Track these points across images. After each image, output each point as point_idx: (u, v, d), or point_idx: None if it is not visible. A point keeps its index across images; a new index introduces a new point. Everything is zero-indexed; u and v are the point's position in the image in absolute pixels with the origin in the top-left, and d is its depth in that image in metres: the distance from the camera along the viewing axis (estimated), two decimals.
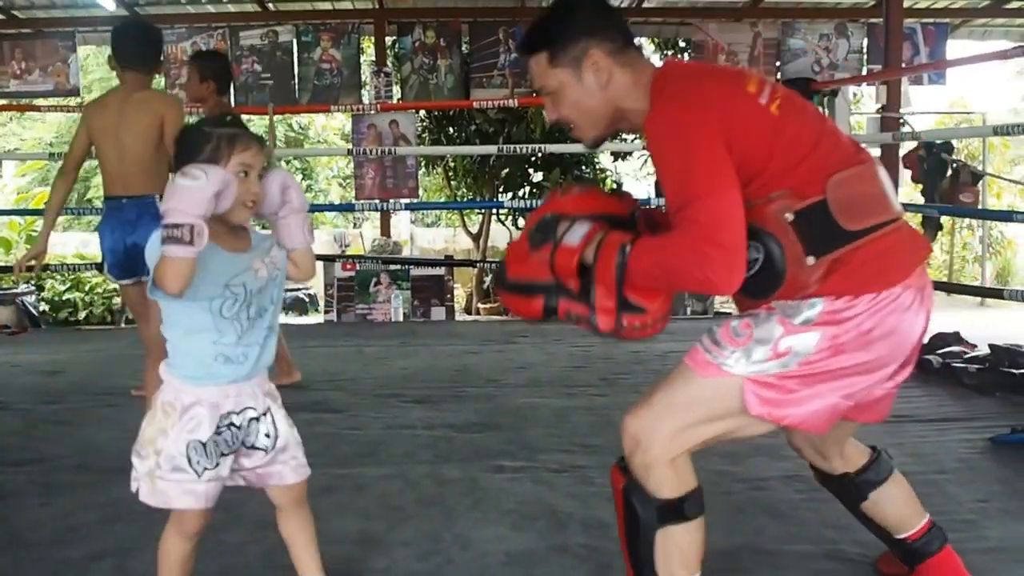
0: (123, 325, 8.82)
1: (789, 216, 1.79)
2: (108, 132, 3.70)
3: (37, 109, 10.31)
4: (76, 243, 13.89)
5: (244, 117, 14.32)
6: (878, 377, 1.85)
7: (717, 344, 1.85)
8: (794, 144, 1.83)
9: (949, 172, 6.67)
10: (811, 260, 1.78)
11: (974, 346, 5.16)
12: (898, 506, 2.18)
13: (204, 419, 1.94)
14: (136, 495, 2.00)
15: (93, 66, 17.81)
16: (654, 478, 1.86)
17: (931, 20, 9.60)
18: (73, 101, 9.92)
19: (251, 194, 1.88)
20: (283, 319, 11.05)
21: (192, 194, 1.72)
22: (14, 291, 8.86)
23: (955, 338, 5.35)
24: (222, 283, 1.91)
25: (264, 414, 2.04)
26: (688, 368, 1.88)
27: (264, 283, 2.00)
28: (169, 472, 1.92)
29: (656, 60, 2.12)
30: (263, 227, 2.08)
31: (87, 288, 10.19)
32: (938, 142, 6.77)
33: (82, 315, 10.00)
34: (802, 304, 1.80)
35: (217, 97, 4.34)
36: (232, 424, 1.98)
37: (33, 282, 9.47)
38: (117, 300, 9.70)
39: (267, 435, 2.04)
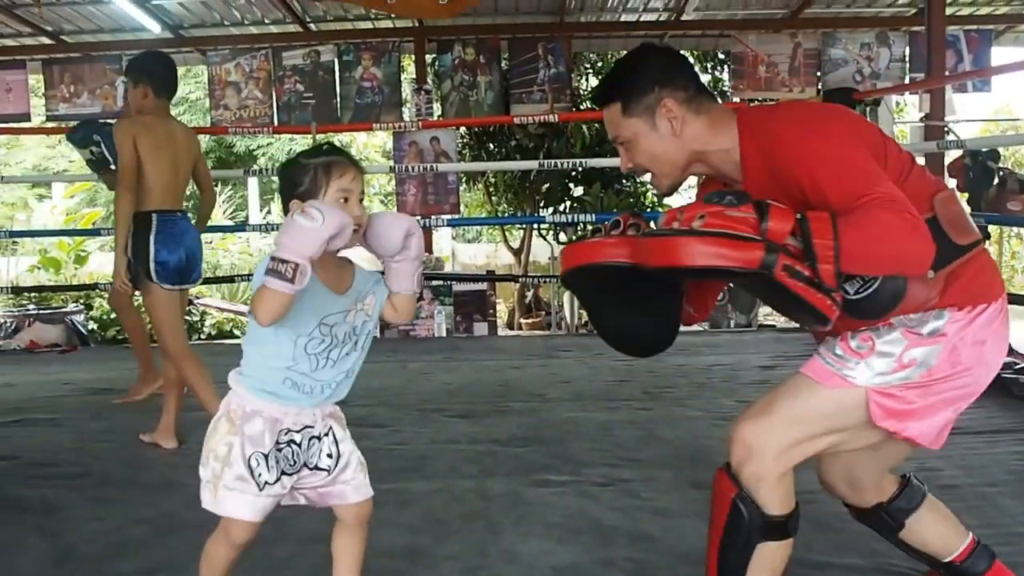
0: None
1: None
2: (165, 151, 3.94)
3: None
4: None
5: (287, 136, 14.42)
6: (984, 386, 1.89)
7: (839, 356, 1.87)
8: (897, 161, 1.89)
9: (995, 180, 6.60)
10: (931, 274, 1.81)
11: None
12: (937, 530, 2.17)
13: (264, 431, 1.96)
14: (195, 506, 2.03)
15: None
16: (764, 492, 1.87)
17: (974, 27, 9.50)
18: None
19: (353, 218, 1.88)
20: None
21: (306, 235, 1.75)
22: (63, 310, 9.00)
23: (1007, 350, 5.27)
24: (315, 321, 1.94)
25: (326, 434, 2.06)
26: (808, 379, 1.89)
27: (351, 329, 2.02)
28: (232, 480, 1.95)
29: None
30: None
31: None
32: (984, 150, 6.71)
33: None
34: (927, 316, 1.85)
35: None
36: (292, 441, 2.00)
37: (81, 301, 9.61)
38: None
39: (329, 455, 2.06)
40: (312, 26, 9.54)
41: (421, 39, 9.40)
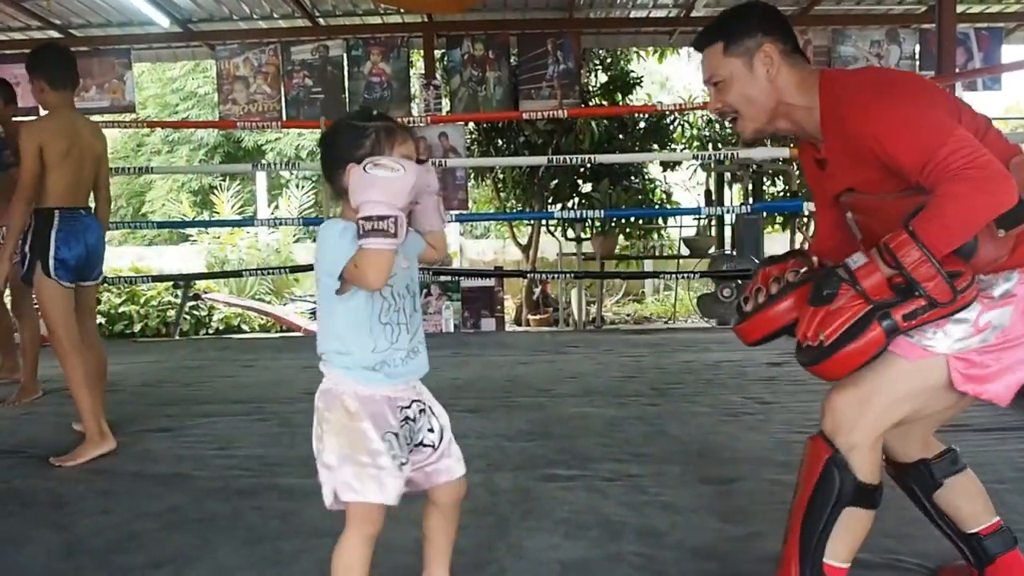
0: (177, 337, 8.94)
1: None
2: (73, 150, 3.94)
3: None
4: (132, 257, 14.13)
5: (295, 131, 14.50)
6: None
7: (917, 328, 1.91)
8: (972, 125, 1.94)
9: None
10: (1001, 232, 1.85)
11: None
12: (971, 498, 2.22)
13: (386, 411, 1.94)
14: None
15: (148, 82, 18.17)
16: (856, 458, 1.96)
17: (985, 25, 9.46)
18: (128, 117, 10.12)
19: None
20: None
21: (394, 185, 1.72)
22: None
23: None
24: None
25: (423, 410, 2.04)
26: (891, 353, 1.94)
27: (406, 287, 2.00)
28: (371, 468, 1.89)
29: None
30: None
31: (142, 301, 10.35)
32: None
33: (137, 327, 10.15)
34: (998, 277, 1.91)
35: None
36: (408, 418, 1.98)
37: None
38: (172, 313, 9.85)
39: (431, 430, 2.04)
40: (321, 21, 9.54)
41: (430, 34, 9.39)
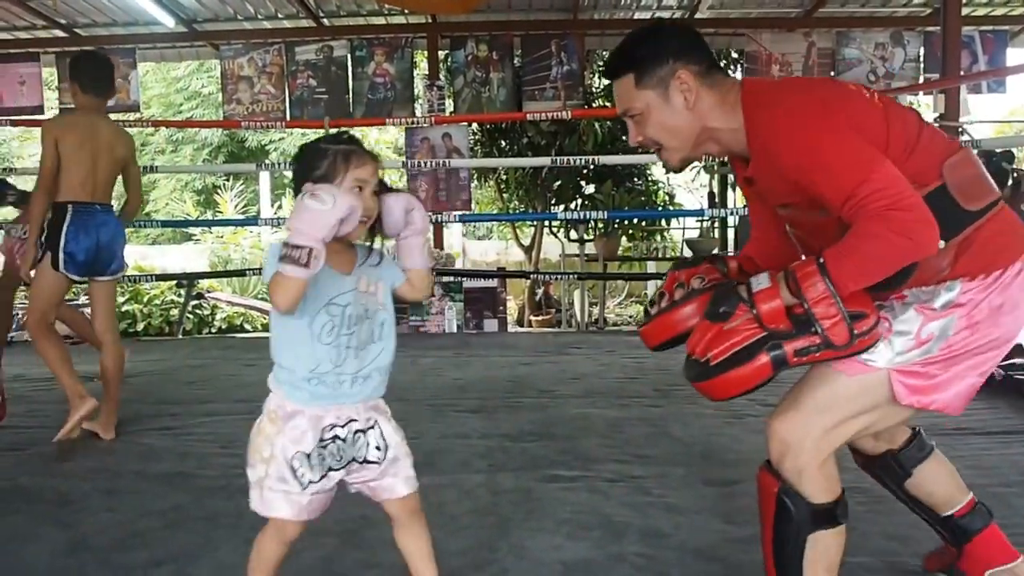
0: (180, 336, 8.95)
1: None
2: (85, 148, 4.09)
3: None
4: (135, 256, 14.13)
5: (299, 131, 14.55)
6: (1004, 352, 1.92)
7: None
8: (902, 134, 1.88)
9: (1010, 181, 6.56)
10: (941, 244, 1.79)
11: None
12: (942, 482, 2.20)
13: (307, 430, 1.96)
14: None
15: (152, 82, 18.18)
16: (807, 482, 1.89)
17: (990, 28, 9.46)
18: (133, 116, 10.13)
19: (366, 210, 1.90)
20: None
21: (318, 218, 1.74)
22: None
23: (1018, 350, 5.24)
24: (323, 300, 1.93)
25: (371, 427, 2.05)
26: (831, 368, 1.89)
27: (363, 312, 2.01)
28: (276, 482, 1.95)
29: None
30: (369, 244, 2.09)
31: (145, 300, 10.36)
32: (998, 151, 6.66)
33: (140, 326, 10.16)
34: (939, 288, 1.86)
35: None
36: (337, 437, 1.99)
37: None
38: (175, 312, 9.86)
39: (377, 448, 2.05)
40: (325, 21, 9.56)
41: (434, 35, 9.41)
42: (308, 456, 1.95)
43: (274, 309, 1.85)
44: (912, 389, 1.86)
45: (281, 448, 1.94)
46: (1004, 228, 1.89)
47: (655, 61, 1.98)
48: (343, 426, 2.00)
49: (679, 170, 2.18)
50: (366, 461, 2.04)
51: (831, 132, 1.81)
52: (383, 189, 1.99)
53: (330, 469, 1.98)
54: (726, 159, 6.89)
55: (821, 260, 1.75)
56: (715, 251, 9.80)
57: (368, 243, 2.05)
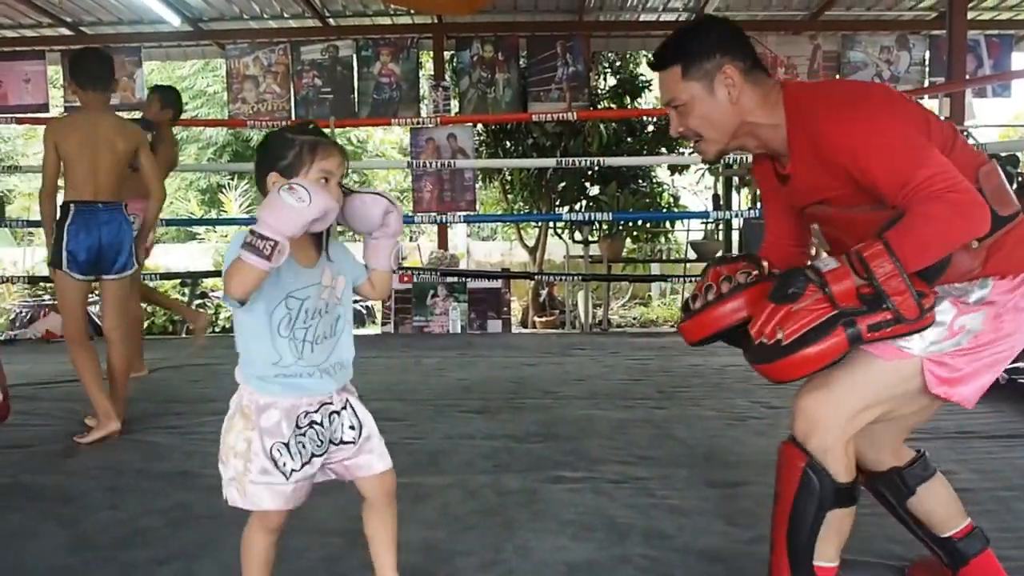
0: (184, 335, 8.95)
1: None
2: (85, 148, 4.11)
3: None
4: None
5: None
6: (1016, 352, 1.99)
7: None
8: (940, 135, 1.94)
9: (1015, 186, 6.55)
10: (975, 244, 1.89)
11: None
12: (943, 503, 2.23)
13: (281, 420, 1.96)
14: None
15: (157, 80, 18.17)
16: (832, 461, 1.95)
17: (995, 32, 9.45)
18: (138, 115, 10.13)
19: None
20: None
21: (291, 214, 1.74)
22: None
23: (1021, 354, 5.23)
24: (283, 292, 1.93)
25: (343, 408, 2.06)
26: (867, 353, 1.95)
27: (323, 306, 2.01)
28: (258, 475, 1.95)
29: None
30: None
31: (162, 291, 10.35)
32: (1003, 155, 6.66)
33: (144, 325, 10.14)
34: (972, 284, 1.94)
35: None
36: (313, 422, 1.99)
37: (97, 292, 9.63)
38: None
39: (351, 427, 2.06)
40: (331, 21, 9.56)
41: (440, 36, 9.42)
42: (287, 446, 1.95)
43: (225, 295, 1.83)
44: (940, 379, 1.93)
45: (260, 441, 1.94)
46: None
47: (702, 54, 2.04)
48: (316, 411, 2.01)
49: (714, 161, 2.24)
50: (342, 442, 2.06)
51: (888, 119, 1.88)
52: (348, 191, 1.99)
53: (312, 455, 1.99)
54: (731, 162, 6.85)
55: (886, 240, 1.80)
56: (720, 253, 9.79)
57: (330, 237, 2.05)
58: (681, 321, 2.21)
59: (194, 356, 4.85)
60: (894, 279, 1.79)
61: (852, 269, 1.84)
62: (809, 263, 1.95)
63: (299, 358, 1.97)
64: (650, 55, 10.55)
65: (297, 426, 1.97)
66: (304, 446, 1.97)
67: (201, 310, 4.12)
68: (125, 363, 4.28)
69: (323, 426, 2.01)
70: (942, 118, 2.16)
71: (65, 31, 9.51)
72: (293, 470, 1.96)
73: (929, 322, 1.84)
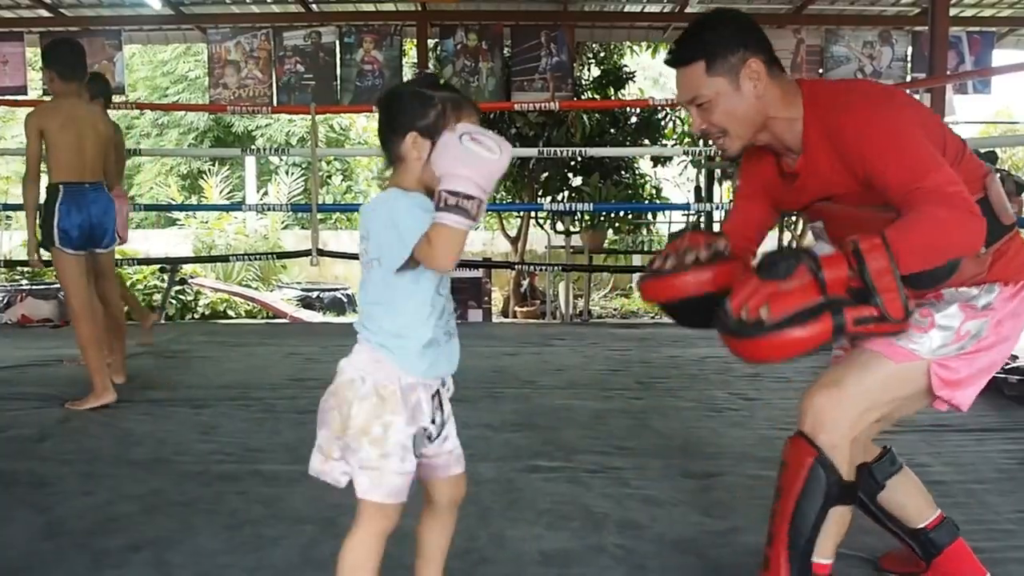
0: (163, 321, 8.90)
1: None
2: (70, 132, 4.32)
3: None
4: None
5: (286, 117, 14.47)
6: (1007, 356, 2.04)
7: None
8: (951, 144, 1.97)
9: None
10: (982, 250, 1.93)
11: (1015, 357, 5.08)
12: (913, 495, 2.27)
13: (424, 403, 1.82)
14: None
15: (138, 65, 18.06)
16: (838, 458, 1.95)
17: (977, 28, 9.50)
18: (118, 99, 10.06)
19: None
20: (321, 318, 11.09)
21: (487, 167, 1.62)
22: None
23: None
24: None
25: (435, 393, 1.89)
26: (877, 354, 1.96)
27: None
28: (398, 463, 1.77)
29: None
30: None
31: (128, 284, 10.29)
32: (982, 151, 6.70)
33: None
34: (980, 289, 1.98)
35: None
36: (442, 403, 1.88)
37: None
38: (157, 296, 9.80)
39: (433, 421, 1.86)
40: (314, 7, 9.51)
41: (424, 23, 9.38)
42: (426, 430, 1.82)
43: (433, 268, 1.70)
44: (945, 382, 1.96)
45: (402, 427, 1.77)
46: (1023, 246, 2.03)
47: (727, 48, 1.99)
48: (436, 393, 1.87)
49: (736, 157, 2.19)
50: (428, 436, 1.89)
51: (908, 122, 1.90)
52: None
53: (429, 439, 1.85)
54: (713, 154, 6.85)
55: (885, 235, 1.77)
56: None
57: None
58: (644, 279, 2.16)
59: (139, 347, 5.21)
60: (885, 276, 1.76)
61: (847, 260, 1.81)
62: (804, 247, 1.92)
63: (439, 318, 1.81)
64: (634, 46, 10.48)
65: (431, 409, 1.84)
66: (434, 431, 1.85)
67: (151, 311, 4.40)
68: (123, 317, 4.63)
69: (443, 411, 1.89)
70: None
71: (44, 12, 9.41)
72: (421, 455, 1.82)
73: (907, 328, 1.82)
